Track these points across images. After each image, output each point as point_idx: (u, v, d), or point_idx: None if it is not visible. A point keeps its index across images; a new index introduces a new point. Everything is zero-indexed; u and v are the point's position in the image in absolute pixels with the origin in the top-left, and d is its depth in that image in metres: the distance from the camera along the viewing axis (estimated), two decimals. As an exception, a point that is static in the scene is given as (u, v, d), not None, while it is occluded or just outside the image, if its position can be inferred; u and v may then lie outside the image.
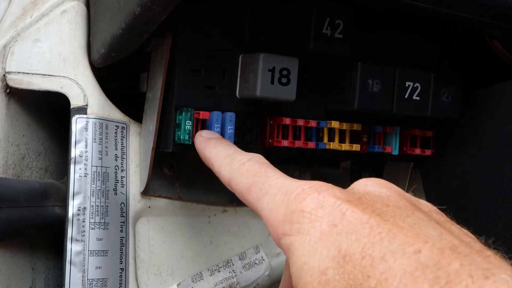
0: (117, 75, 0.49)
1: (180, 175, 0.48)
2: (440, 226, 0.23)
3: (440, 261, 0.19)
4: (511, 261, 0.20)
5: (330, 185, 0.25)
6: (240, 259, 0.51)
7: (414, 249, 0.20)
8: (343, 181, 0.57)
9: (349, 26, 0.44)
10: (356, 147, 0.47)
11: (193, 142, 0.41)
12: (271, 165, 0.31)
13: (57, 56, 0.43)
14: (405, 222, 0.22)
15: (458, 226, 0.25)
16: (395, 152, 0.50)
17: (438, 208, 0.26)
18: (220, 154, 0.36)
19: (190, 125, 0.41)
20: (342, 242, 0.22)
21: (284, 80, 0.42)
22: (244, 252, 0.51)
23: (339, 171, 0.56)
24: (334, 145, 0.47)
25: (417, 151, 0.51)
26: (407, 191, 0.27)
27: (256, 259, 0.52)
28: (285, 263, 0.33)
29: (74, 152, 0.42)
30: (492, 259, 0.20)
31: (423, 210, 0.25)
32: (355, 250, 0.21)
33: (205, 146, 0.38)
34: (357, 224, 0.22)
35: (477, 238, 0.24)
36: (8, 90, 0.43)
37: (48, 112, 0.48)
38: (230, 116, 0.42)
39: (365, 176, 0.55)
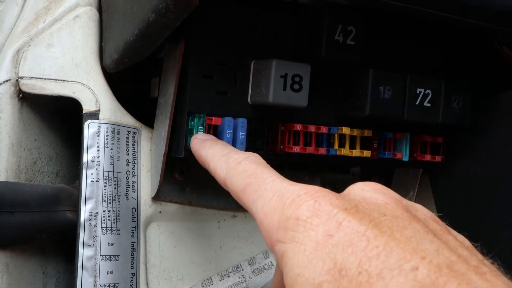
0: (128, 80, 0.49)
1: (190, 180, 0.48)
2: (437, 238, 0.22)
3: (437, 279, 0.19)
4: (508, 275, 0.21)
5: (326, 191, 0.25)
6: (249, 264, 0.51)
7: (411, 266, 0.20)
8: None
9: (360, 33, 0.44)
10: (367, 153, 0.47)
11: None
12: (268, 165, 0.31)
13: (69, 61, 0.44)
14: (402, 235, 0.22)
15: (454, 234, 0.25)
16: (405, 158, 0.50)
17: (435, 215, 0.26)
18: (216, 153, 0.35)
19: (203, 131, 0.41)
20: (338, 254, 0.21)
21: (296, 86, 0.42)
22: (254, 257, 0.51)
23: (349, 177, 0.56)
24: (345, 151, 0.47)
25: (427, 157, 0.51)
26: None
27: (265, 264, 0.52)
28: (276, 267, 0.33)
29: (86, 157, 0.42)
30: (488, 276, 0.20)
31: (420, 219, 0.24)
32: (351, 264, 0.21)
33: (201, 146, 0.38)
34: (354, 236, 0.22)
35: (473, 245, 0.24)
36: (21, 95, 0.43)
37: (60, 117, 0.48)
38: (242, 122, 0.42)
39: (375, 181, 0.56)
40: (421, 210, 0.26)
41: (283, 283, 0.27)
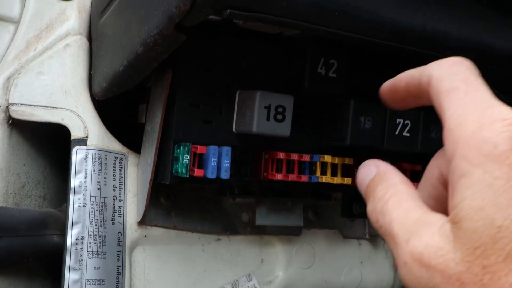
0: (115, 106, 0.50)
1: (176, 204, 0.49)
2: None
3: None
4: None
5: None
6: (232, 287, 0.52)
7: None
8: (335, 210, 0.58)
9: (342, 66, 0.46)
10: (348, 181, 0.49)
11: (190, 175, 0.42)
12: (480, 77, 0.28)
13: (59, 89, 0.45)
14: None
15: None
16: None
17: None
18: None
19: (188, 159, 0.42)
20: None
21: (279, 117, 0.44)
22: (237, 280, 0.52)
23: (330, 202, 0.57)
24: (327, 178, 0.48)
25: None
26: None
27: (248, 287, 0.53)
28: (433, 159, 0.30)
29: (74, 182, 0.43)
30: None
31: None
32: None
33: None
34: None
35: None
36: (10, 121, 0.44)
37: (48, 141, 0.49)
38: (226, 150, 0.44)
39: (355, 209, 0.57)
40: None
41: (435, 182, 0.27)
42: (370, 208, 0.28)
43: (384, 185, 0.27)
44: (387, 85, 0.32)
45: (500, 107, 0.24)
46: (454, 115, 0.25)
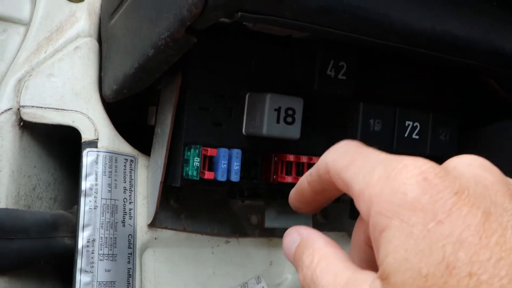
0: (125, 108, 0.50)
1: (185, 207, 0.49)
2: None
3: None
4: None
5: (433, 164, 0.23)
6: (241, 289, 0.52)
7: None
8: (343, 212, 0.58)
9: (352, 68, 0.46)
10: (357, 183, 0.49)
11: (200, 178, 0.42)
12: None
13: (69, 91, 0.45)
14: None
15: None
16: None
17: None
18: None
19: (198, 162, 0.43)
20: (447, 246, 0.21)
21: (289, 119, 0.44)
22: (246, 283, 0.52)
23: (339, 204, 0.57)
24: (336, 180, 0.48)
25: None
26: None
27: (257, 289, 0.53)
28: (356, 224, 0.30)
29: (85, 185, 0.43)
30: None
31: None
32: (460, 262, 0.20)
33: None
34: (464, 229, 0.21)
35: None
36: (22, 124, 0.44)
37: (58, 143, 0.49)
38: (236, 152, 0.44)
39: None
40: None
41: (364, 247, 0.27)
42: (300, 277, 0.27)
43: (309, 251, 0.27)
44: (292, 192, 0.33)
45: (400, 158, 0.24)
46: (360, 179, 0.25)
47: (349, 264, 0.25)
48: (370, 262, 0.28)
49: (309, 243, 0.28)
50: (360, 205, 0.25)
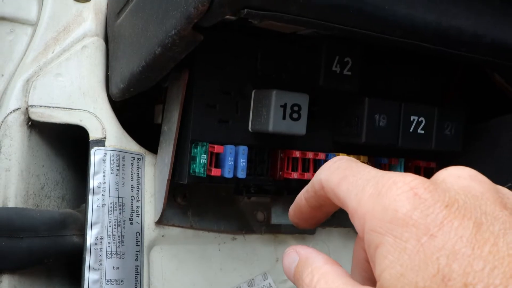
0: (132, 106, 0.51)
1: (192, 204, 0.50)
2: None
3: None
4: None
5: (423, 179, 0.24)
6: (248, 286, 0.52)
7: None
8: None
9: (357, 64, 0.46)
10: (363, 178, 0.49)
11: (207, 175, 0.43)
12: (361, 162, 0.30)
13: (77, 90, 0.45)
14: (504, 243, 0.21)
15: None
16: (400, 182, 0.52)
17: None
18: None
19: (205, 159, 0.43)
20: (441, 259, 0.21)
21: (295, 115, 0.44)
22: (253, 279, 0.53)
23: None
24: (342, 176, 0.48)
25: (421, 181, 0.53)
26: None
27: (264, 286, 0.53)
28: (356, 242, 0.31)
29: (93, 183, 0.44)
30: None
31: None
32: (455, 273, 0.21)
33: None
34: (457, 240, 0.21)
35: None
36: (30, 123, 0.45)
37: (66, 142, 0.50)
38: (243, 149, 0.44)
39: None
40: None
41: (365, 264, 0.27)
42: None
43: (308, 270, 0.28)
44: (291, 210, 0.33)
45: (389, 174, 0.24)
46: (352, 196, 0.25)
47: (348, 280, 0.26)
48: (372, 279, 0.29)
49: (308, 262, 0.28)
50: (355, 222, 0.25)
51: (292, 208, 0.33)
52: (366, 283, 0.27)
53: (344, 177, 0.27)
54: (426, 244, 0.21)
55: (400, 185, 0.23)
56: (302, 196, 0.32)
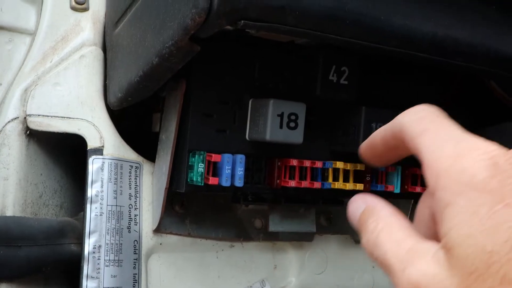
0: (130, 114, 0.51)
1: (190, 212, 0.50)
2: None
3: None
4: None
5: (505, 151, 0.24)
6: (246, 293, 0.53)
7: None
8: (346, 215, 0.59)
9: (354, 73, 0.46)
10: (360, 186, 0.49)
11: (205, 184, 0.43)
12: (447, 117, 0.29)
13: (75, 99, 0.45)
14: None
15: None
16: (397, 190, 0.52)
17: None
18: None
19: (203, 167, 0.43)
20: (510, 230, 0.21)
21: (292, 124, 0.44)
22: (251, 286, 0.53)
23: (343, 208, 0.58)
24: (339, 184, 0.49)
25: (418, 189, 0.53)
26: None
27: (262, 293, 0.53)
28: (421, 199, 0.30)
29: (91, 192, 0.44)
30: None
31: None
32: None
33: None
34: None
35: None
36: (28, 132, 0.45)
37: (64, 151, 0.50)
38: (240, 158, 0.44)
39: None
40: None
41: (429, 222, 0.27)
42: (364, 240, 0.28)
43: (374, 218, 0.28)
44: (364, 144, 0.33)
45: (472, 138, 0.25)
46: (430, 151, 0.26)
47: (412, 233, 0.26)
48: (434, 237, 0.28)
49: (375, 211, 0.29)
50: (427, 176, 0.25)
51: (364, 145, 0.33)
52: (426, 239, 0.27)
53: (426, 129, 0.27)
54: (499, 211, 0.22)
55: (482, 151, 0.23)
56: (378, 135, 0.32)
